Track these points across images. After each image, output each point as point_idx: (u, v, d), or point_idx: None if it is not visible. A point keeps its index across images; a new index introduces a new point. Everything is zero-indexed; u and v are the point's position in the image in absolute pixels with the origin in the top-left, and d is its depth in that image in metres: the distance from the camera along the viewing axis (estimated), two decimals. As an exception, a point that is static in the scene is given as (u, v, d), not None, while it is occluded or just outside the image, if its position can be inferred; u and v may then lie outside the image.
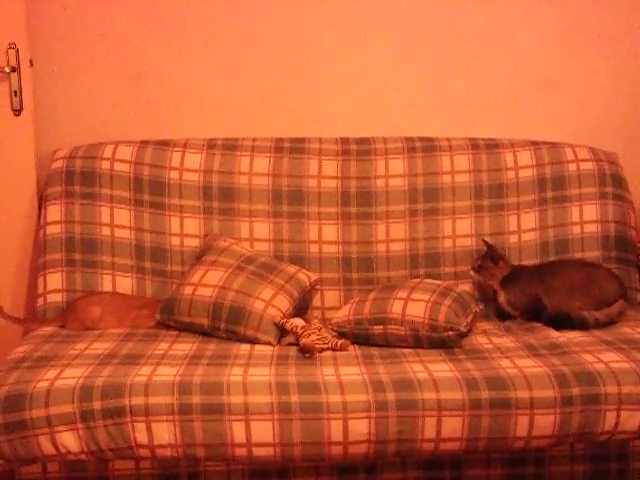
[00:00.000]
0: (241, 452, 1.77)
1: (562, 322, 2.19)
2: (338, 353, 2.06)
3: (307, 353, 2.03)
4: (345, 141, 2.54)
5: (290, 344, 2.14)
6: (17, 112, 2.54)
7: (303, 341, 2.07)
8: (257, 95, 2.66)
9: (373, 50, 2.67)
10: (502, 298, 2.36)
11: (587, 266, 2.39)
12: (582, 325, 2.17)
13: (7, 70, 2.49)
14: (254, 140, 2.52)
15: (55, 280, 2.39)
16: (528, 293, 2.32)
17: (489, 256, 2.37)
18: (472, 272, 2.39)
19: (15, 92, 2.52)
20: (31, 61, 2.55)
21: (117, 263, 2.41)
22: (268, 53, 2.65)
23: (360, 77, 2.67)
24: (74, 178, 2.44)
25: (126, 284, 2.40)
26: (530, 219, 2.50)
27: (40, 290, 2.40)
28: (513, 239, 2.49)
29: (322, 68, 2.66)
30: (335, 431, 1.76)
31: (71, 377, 1.82)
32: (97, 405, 1.76)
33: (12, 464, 1.79)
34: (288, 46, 2.65)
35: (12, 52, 2.48)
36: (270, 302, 2.22)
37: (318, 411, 1.77)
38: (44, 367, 1.88)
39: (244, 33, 2.64)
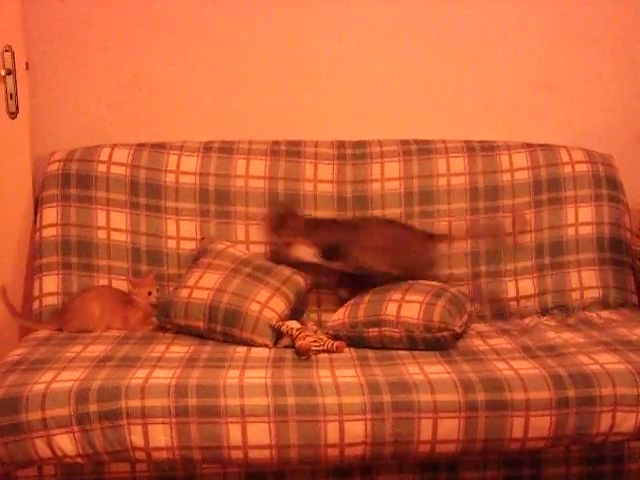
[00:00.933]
0: (237, 454, 1.77)
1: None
2: (334, 355, 2.06)
3: (303, 355, 2.04)
4: (341, 144, 2.55)
5: (286, 346, 2.15)
6: (13, 115, 2.54)
7: (299, 343, 2.07)
8: (253, 98, 2.66)
9: (369, 53, 2.68)
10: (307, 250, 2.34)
11: (396, 227, 2.37)
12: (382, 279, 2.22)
13: (2, 73, 2.49)
14: (250, 143, 2.53)
15: (51, 283, 2.40)
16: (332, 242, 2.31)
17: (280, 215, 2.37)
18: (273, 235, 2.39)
19: (11, 95, 2.52)
20: (27, 64, 2.55)
21: (113, 266, 2.41)
22: (264, 56, 2.65)
23: (356, 80, 2.68)
24: (70, 181, 2.44)
25: (123, 287, 2.39)
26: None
27: (36, 293, 2.41)
28: (508, 241, 2.49)
29: (318, 71, 2.67)
30: (331, 433, 1.76)
31: (67, 380, 1.82)
32: (93, 408, 1.76)
33: (8, 467, 1.79)
34: (284, 49, 2.66)
35: (8, 55, 2.48)
36: (266, 304, 2.22)
37: (314, 413, 1.77)
38: (40, 370, 1.87)
39: (241, 36, 2.64)
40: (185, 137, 2.57)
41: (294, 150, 2.52)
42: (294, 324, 2.20)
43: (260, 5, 2.64)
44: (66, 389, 1.79)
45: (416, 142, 2.55)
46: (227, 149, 2.51)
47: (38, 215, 2.46)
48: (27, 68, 2.55)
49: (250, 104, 2.67)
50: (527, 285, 2.47)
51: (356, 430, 1.77)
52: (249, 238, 2.45)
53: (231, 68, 2.66)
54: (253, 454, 1.77)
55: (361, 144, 2.55)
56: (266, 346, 2.15)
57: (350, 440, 1.77)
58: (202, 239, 2.44)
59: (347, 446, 1.77)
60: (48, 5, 2.60)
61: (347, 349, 2.11)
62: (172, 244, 2.44)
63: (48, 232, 2.42)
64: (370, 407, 1.78)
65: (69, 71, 2.65)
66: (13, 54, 2.49)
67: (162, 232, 2.44)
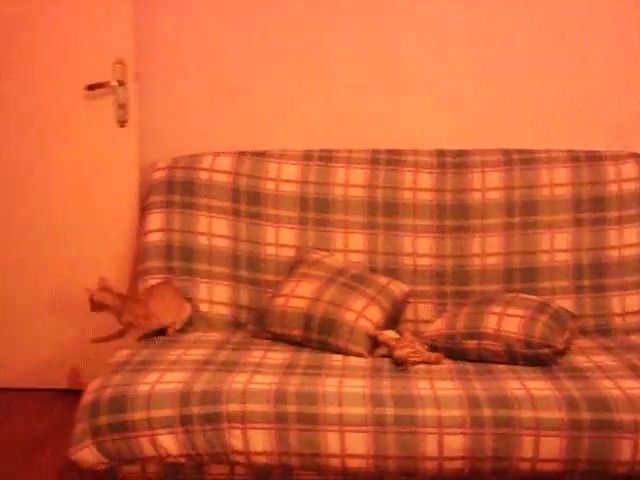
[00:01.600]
0: (335, 463, 1.78)
1: None
2: (432, 367, 2.04)
3: (401, 366, 2.02)
4: (441, 153, 2.52)
5: (382, 356, 2.14)
6: (122, 124, 2.64)
7: (397, 353, 2.06)
8: (353, 107, 2.68)
9: (471, 64, 2.65)
10: None
11: None
12: None
13: (114, 84, 2.60)
14: (350, 152, 2.53)
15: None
16: None
17: None
18: None
19: (121, 105, 2.62)
20: (137, 74, 2.65)
21: (213, 271, 2.45)
22: (364, 66, 2.66)
23: (457, 90, 2.66)
24: (174, 188, 2.51)
25: (222, 292, 2.44)
26: (632, 234, 2.41)
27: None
28: (614, 253, 2.40)
29: (418, 81, 2.66)
30: (430, 446, 1.75)
31: (171, 382, 1.87)
32: (196, 410, 1.80)
33: (114, 463, 1.85)
34: (384, 58, 2.66)
35: (119, 67, 2.59)
36: (361, 313, 2.21)
37: (413, 425, 1.75)
38: (145, 371, 1.93)
39: (340, 46, 2.66)
40: (285, 145, 2.60)
41: (394, 159, 2.51)
42: (391, 334, 2.18)
43: (359, 15, 2.65)
44: (170, 391, 1.83)
45: (519, 152, 2.50)
46: (327, 157, 2.52)
47: (143, 220, 2.53)
48: (137, 79, 2.65)
49: (350, 113, 2.68)
50: (633, 301, 2.37)
51: (455, 444, 1.75)
52: (348, 246, 2.45)
53: (330, 77, 2.68)
54: (350, 463, 1.78)
55: (462, 153, 2.52)
56: (361, 355, 2.14)
57: (449, 454, 1.75)
58: (298, 248, 2.46)
59: (445, 460, 1.75)
60: (158, 18, 2.69)
61: (445, 361, 2.08)
62: (271, 251, 2.46)
63: (153, 237, 2.48)
64: (470, 421, 1.75)
65: (174, 81, 2.73)
66: (124, 66, 2.58)
67: (262, 239, 2.47)
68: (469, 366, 2.04)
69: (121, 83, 2.60)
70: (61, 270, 2.75)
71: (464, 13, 2.63)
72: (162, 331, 2.30)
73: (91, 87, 2.60)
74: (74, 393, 2.80)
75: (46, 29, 2.61)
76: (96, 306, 2.26)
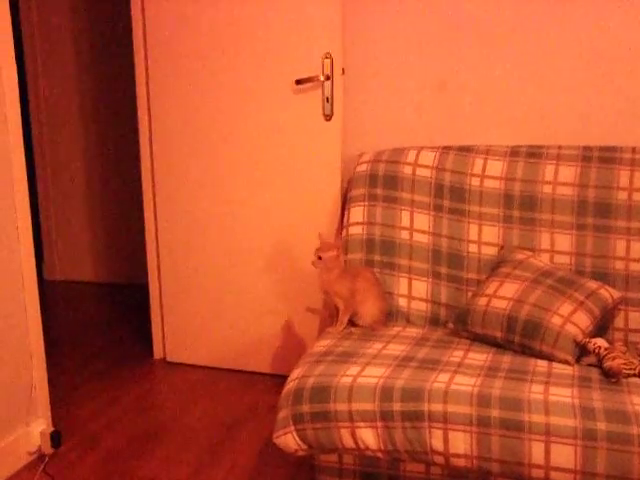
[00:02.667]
0: (538, 474, 1.70)
1: None
2: (647, 381, 1.90)
3: (612, 377, 1.90)
4: (663, 150, 2.34)
5: (590, 365, 2.02)
6: (328, 117, 2.69)
7: (608, 364, 1.93)
8: (562, 102, 2.55)
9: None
10: None
11: None
12: None
13: (322, 78, 2.65)
14: (560, 148, 2.42)
15: (354, 279, 2.49)
16: None
17: None
18: None
19: (327, 99, 2.67)
20: (343, 69, 2.68)
21: (414, 267, 2.45)
22: (573, 59, 2.52)
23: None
24: (377, 181, 2.52)
25: (421, 288, 2.43)
26: None
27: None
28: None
29: (636, 70, 2.48)
30: (645, 467, 1.63)
31: (372, 376, 1.88)
32: (397, 407, 1.80)
33: (314, 451, 1.89)
34: (594, 52, 2.50)
35: (327, 62, 2.63)
36: (569, 318, 2.10)
37: (627, 443, 1.64)
38: (346, 363, 1.96)
39: (548, 39, 2.54)
40: (491, 141, 2.54)
41: (608, 156, 2.36)
42: (601, 342, 2.05)
43: (578, 10, 2.51)
44: (371, 385, 1.84)
45: None
46: (535, 154, 2.43)
47: (346, 213, 2.57)
48: (343, 73, 2.68)
49: (559, 108, 2.55)
50: None
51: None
52: (554, 247, 2.35)
53: (539, 71, 2.57)
54: (555, 476, 1.69)
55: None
56: (567, 362, 2.04)
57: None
58: (501, 248, 2.39)
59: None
60: (365, 14, 2.71)
61: (663, 376, 1.93)
62: (473, 248, 2.42)
63: (354, 230, 2.52)
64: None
65: (379, 76, 2.74)
66: (332, 60, 2.63)
67: (464, 236, 2.43)
68: (691, 383, 1.87)
69: (328, 78, 2.64)
70: (267, 251, 2.89)
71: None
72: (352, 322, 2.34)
73: (300, 81, 2.67)
74: (272, 377, 2.95)
75: (262, 26, 2.71)
76: (319, 257, 2.29)
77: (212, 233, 2.97)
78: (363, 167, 2.58)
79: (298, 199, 2.82)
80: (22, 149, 2.24)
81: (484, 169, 2.44)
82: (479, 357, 2.05)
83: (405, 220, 2.47)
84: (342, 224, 2.60)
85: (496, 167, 2.44)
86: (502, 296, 2.19)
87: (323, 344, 2.15)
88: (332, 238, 2.61)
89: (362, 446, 1.83)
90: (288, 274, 2.88)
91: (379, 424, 1.80)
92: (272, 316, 2.93)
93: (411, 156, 2.52)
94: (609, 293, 2.23)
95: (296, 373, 1.96)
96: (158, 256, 3.09)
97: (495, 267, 2.35)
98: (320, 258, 2.29)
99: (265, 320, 2.96)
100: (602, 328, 2.23)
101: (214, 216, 2.95)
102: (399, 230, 2.47)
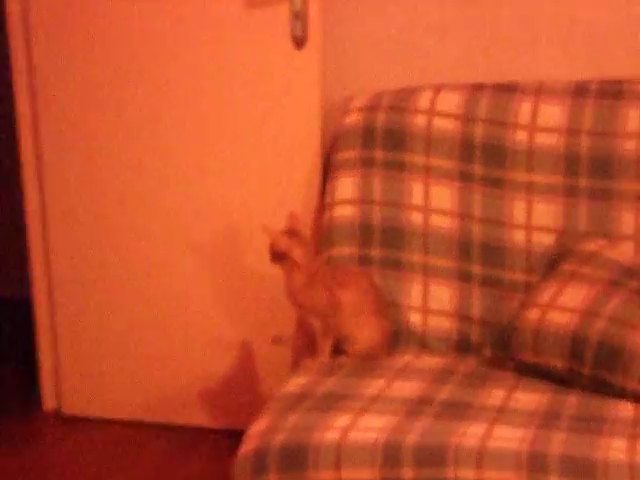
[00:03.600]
0: None
1: None
2: None
3: None
4: None
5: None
6: (299, 43, 2.67)
7: None
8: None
9: None
10: None
11: None
12: None
13: (289, -15, 2.63)
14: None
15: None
16: None
17: None
18: None
19: (297, 14, 2.65)
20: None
21: (432, 265, 2.45)
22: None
23: None
24: (375, 139, 2.51)
25: (443, 296, 2.45)
26: None
27: (323, 296, 2.51)
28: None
29: None
30: None
31: (371, 428, 1.87)
32: (408, 473, 1.79)
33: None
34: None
35: (296, -41, 2.61)
36: (665, 339, 2.12)
37: None
38: (332, 410, 1.95)
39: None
40: (545, 74, 2.55)
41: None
42: None
43: None
44: (370, 442, 1.83)
45: None
46: (612, 92, 2.43)
47: (328, 187, 2.56)
48: (321, -23, 2.67)
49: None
50: None
51: None
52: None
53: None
54: None
55: None
56: (663, 403, 2.06)
57: None
58: (563, 233, 2.40)
59: None
60: None
61: None
62: (519, 236, 2.42)
63: (342, 211, 2.51)
64: None
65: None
66: (303, -43, 2.61)
67: (506, 218, 2.43)
68: None
69: (298, -16, 2.63)
70: (210, 252, 2.89)
71: None
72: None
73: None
74: (223, 434, 2.94)
75: None
76: (277, 257, 2.31)
77: (126, 227, 2.95)
78: (354, 118, 2.56)
79: (256, 169, 2.80)
80: None
81: (534, 117, 2.44)
82: (530, 398, 2.06)
83: (417, 196, 2.47)
84: (323, 203, 2.60)
85: (552, 113, 2.44)
86: (564, 306, 2.20)
87: (298, 383, 2.14)
88: (305, 223, 2.59)
89: (357, 534, 1.83)
90: (242, 284, 2.87)
91: (383, 500, 1.81)
92: (220, 346, 2.92)
93: (425, 100, 2.51)
94: None
95: (258, 427, 1.95)
96: (47, 263, 3.07)
97: (553, 263, 2.35)
98: (279, 255, 2.30)
99: (210, 352, 2.94)
100: None
101: (129, 200, 2.93)
102: (409, 211, 2.47)
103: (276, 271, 2.35)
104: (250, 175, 2.82)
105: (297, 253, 2.29)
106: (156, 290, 2.96)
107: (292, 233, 2.32)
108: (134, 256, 2.96)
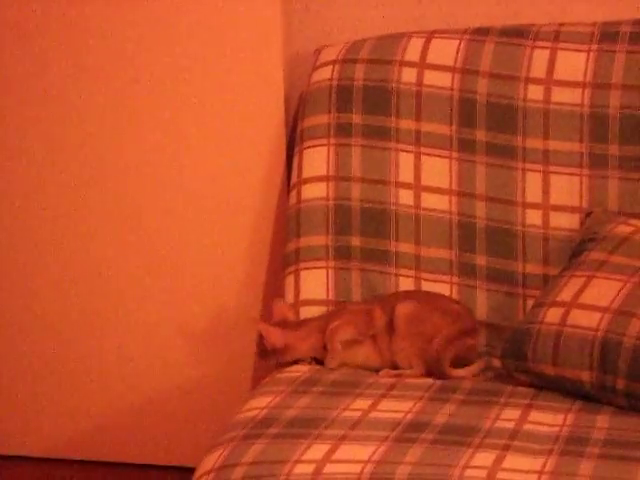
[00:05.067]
0: None
1: None
2: None
3: None
4: None
5: None
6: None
7: None
8: None
9: None
10: None
11: None
12: None
13: None
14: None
15: (315, 282, 2.51)
16: None
17: None
18: None
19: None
20: None
21: (425, 257, 2.47)
22: None
23: None
24: (352, 100, 2.52)
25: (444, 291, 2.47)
26: None
27: (289, 297, 2.52)
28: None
29: None
30: None
31: (352, 460, 1.86)
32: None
33: None
34: None
35: None
36: None
37: None
38: (304, 438, 1.94)
39: None
40: (565, 15, 2.56)
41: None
42: None
43: None
44: (351, 477, 1.82)
45: None
46: (645, 37, 2.45)
47: (295, 161, 2.57)
48: None
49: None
50: None
51: None
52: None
53: None
54: None
55: None
56: None
57: None
58: (588, 215, 2.41)
59: None
60: None
61: None
62: (534, 218, 2.44)
63: (312, 192, 2.52)
64: None
65: None
66: None
67: (517, 195, 2.45)
68: None
69: None
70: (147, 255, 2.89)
71: None
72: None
73: None
74: (170, 472, 2.94)
75: None
76: (266, 354, 2.42)
77: (49, 231, 2.96)
78: (326, 74, 2.57)
79: (208, 141, 2.80)
80: None
81: (551, 68, 2.46)
82: (550, 419, 2.06)
83: (407, 171, 2.49)
84: (289, 182, 2.60)
85: (573, 63, 2.45)
86: (591, 305, 2.20)
87: (260, 404, 2.13)
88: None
89: None
90: (185, 291, 2.89)
91: None
92: (165, 367, 2.93)
93: (414, 49, 2.52)
94: None
95: (211, 462, 1.94)
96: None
97: (577, 252, 2.36)
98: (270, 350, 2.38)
99: (151, 374, 2.95)
100: None
101: (50, 203, 2.94)
102: (396, 189, 2.49)
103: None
104: (202, 149, 2.82)
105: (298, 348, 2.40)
106: (93, 304, 2.98)
107: (285, 325, 2.40)
108: (69, 266, 2.97)
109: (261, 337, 2.39)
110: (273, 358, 2.41)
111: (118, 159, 2.89)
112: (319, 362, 2.40)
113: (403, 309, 2.33)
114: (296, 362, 2.40)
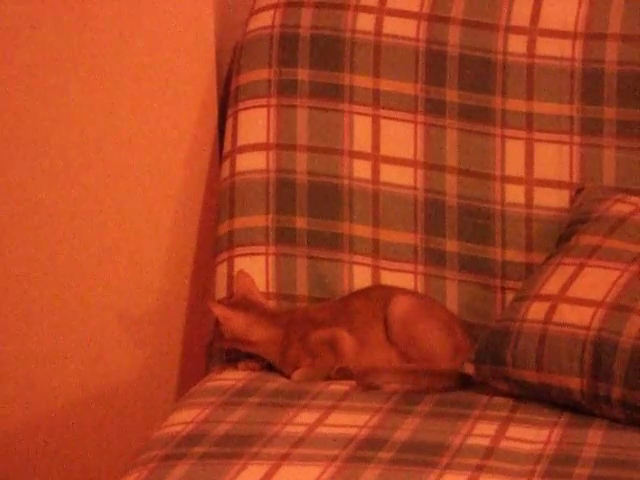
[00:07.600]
0: None
1: None
2: None
3: None
4: None
5: None
6: None
7: None
8: None
9: None
10: None
11: None
12: None
13: None
14: None
15: (252, 271, 2.51)
16: None
17: None
18: None
19: None
20: None
21: (385, 241, 2.50)
22: None
23: None
24: (297, 52, 2.54)
25: (403, 286, 2.47)
26: None
27: (221, 289, 2.55)
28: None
29: None
30: None
31: (295, 486, 1.88)
32: None
33: None
34: None
35: None
36: None
37: None
38: (236, 458, 1.95)
39: None
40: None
41: None
42: None
43: None
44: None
45: None
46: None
47: (228, 126, 2.58)
48: None
49: None
50: None
51: None
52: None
53: None
54: None
55: None
56: None
57: None
58: (579, 192, 2.44)
59: None
60: None
61: None
62: (515, 195, 2.48)
63: (249, 162, 2.54)
64: None
65: None
66: None
67: (494, 168, 2.48)
68: None
69: None
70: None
71: None
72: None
73: None
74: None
75: None
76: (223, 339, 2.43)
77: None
78: (265, 19, 2.59)
79: (132, 104, 2.80)
80: None
81: (537, 15, 2.48)
82: (532, 435, 2.09)
83: (363, 137, 2.52)
84: (222, 152, 2.62)
85: (563, 9, 2.48)
86: (581, 299, 2.23)
87: (185, 418, 2.15)
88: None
89: None
90: (102, 288, 2.88)
91: None
92: (78, 376, 2.92)
93: (370, -9, 2.54)
94: None
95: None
96: None
97: (565, 235, 2.38)
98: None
99: (62, 387, 2.93)
100: None
101: None
102: (349, 159, 2.51)
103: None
104: (117, 110, 2.82)
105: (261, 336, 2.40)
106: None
107: (248, 305, 2.40)
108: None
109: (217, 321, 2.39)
110: (230, 344, 2.42)
111: (43, 130, 2.89)
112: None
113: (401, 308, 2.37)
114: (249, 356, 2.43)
